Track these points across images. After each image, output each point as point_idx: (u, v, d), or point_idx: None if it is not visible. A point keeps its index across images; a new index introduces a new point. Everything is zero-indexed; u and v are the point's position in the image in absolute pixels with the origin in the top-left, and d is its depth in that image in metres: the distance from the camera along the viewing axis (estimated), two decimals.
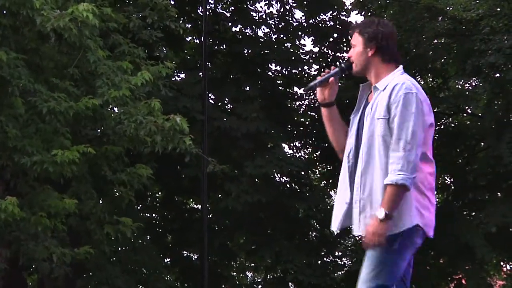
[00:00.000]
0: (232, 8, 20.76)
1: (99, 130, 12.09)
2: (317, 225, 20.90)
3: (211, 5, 20.09)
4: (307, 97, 21.52)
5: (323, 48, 21.14)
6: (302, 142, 21.76)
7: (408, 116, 4.07)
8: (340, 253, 21.56)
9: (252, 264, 22.63)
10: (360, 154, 4.20)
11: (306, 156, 22.09)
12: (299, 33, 21.05)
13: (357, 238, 21.80)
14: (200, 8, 19.55)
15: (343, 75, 4.49)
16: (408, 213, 4.10)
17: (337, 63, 21.17)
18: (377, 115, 4.14)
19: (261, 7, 20.76)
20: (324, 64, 21.11)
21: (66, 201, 10.42)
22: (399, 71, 4.29)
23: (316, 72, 21.21)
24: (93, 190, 11.83)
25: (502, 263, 23.01)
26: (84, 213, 11.65)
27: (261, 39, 20.63)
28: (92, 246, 11.59)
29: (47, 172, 9.97)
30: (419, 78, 19.84)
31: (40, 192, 10.58)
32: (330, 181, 21.96)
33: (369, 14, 19.67)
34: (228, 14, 20.65)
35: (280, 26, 20.93)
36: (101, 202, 12.36)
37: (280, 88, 21.11)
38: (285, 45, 20.96)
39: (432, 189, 4.24)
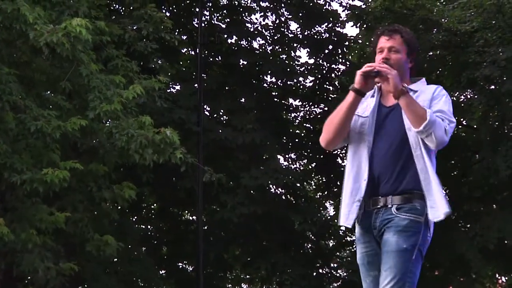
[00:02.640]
0: (228, 19, 20.78)
1: (91, 144, 12.09)
2: (313, 237, 20.87)
3: (206, 17, 20.13)
4: (302, 109, 21.54)
5: (318, 59, 21.16)
6: (298, 153, 21.75)
7: (451, 107, 4.24)
8: (335, 265, 21.54)
9: (248, 276, 22.57)
10: (395, 148, 4.22)
11: (302, 168, 22.07)
12: (295, 44, 21.07)
13: (353, 250, 21.81)
14: (196, 19, 19.59)
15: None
16: (430, 224, 4.21)
17: (333, 75, 21.22)
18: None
19: (256, 18, 20.88)
20: (319, 76, 21.16)
21: (57, 214, 10.44)
22: (424, 81, 4.43)
23: (311, 84, 21.25)
24: (79, 204, 11.86)
25: (497, 275, 22.98)
26: (71, 228, 11.68)
27: (256, 51, 20.65)
28: (86, 257, 11.59)
29: (36, 190, 10.01)
30: None
31: (30, 206, 10.59)
32: (326, 192, 21.96)
33: (364, 26, 19.70)
34: (223, 26, 20.67)
35: (275, 37, 20.96)
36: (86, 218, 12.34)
37: (276, 99, 21.11)
38: (281, 56, 20.99)
39: None
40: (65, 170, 10.03)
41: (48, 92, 11.47)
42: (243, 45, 20.58)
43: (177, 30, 19.24)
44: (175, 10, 20.00)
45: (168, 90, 16.97)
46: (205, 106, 19.14)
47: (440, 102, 4.23)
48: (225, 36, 20.54)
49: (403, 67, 4.32)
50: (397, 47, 4.32)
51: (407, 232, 4.13)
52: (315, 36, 20.99)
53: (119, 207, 12.37)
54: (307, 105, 21.47)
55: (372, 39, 4.60)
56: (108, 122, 11.30)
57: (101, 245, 11.59)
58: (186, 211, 21.78)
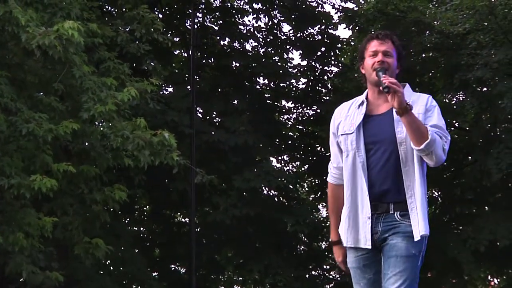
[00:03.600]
0: (220, 21, 20.78)
1: (85, 144, 12.06)
2: (305, 239, 20.88)
3: (199, 19, 20.13)
4: (295, 111, 21.55)
5: (311, 61, 21.17)
6: (290, 155, 21.76)
7: (443, 119, 4.26)
8: (328, 267, 21.55)
9: (240, 278, 22.55)
10: (391, 159, 4.23)
11: (294, 170, 22.09)
12: (287, 46, 21.09)
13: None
14: (188, 21, 19.59)
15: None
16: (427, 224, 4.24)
17: (325, 77, 21.24)
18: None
19: (249, 20, 20.86)
20: (312, 78, 21.17)
21: (45, 219, 10.42)
22: (408, 87, 4.38)
23: (304, 86, 21.27)
24: (69, 207, 11.83)
25: (489, 277, 23.03)
26: (60, 233, 11.67)
27: (249, 53, 20.65)
28: (79, 259, 11.56)
29: (23, 195, 10.00)
30: None
31: (18, 209, 10.56)
32: (319, 194, 21.96)
33: (357, 28, 19.73)
34: (216, 28, 20.68)
35: (268, 39, 20.97)
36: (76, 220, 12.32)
37: (268, 101, 21.12)
38: (273, 58, 21.00)
39: None
40: (53, 179, 9.99)
41: (41, 93, 11.42)
42: (235, 47, 20.59)
43: (170, 32, 19.24)
44: (168, 12, 19.98)
45: (160, 92, 16.97)
46: (197, 108, 19.15)
47: (434, 116, 4.22)
48: (218, 38, 20.55)
49: (394, 73, 4.33)
50: (391, 52, 4.34)
51: (418, 240, 4.20)
52: (308, 38, 21.01)
53: (112, 209, 12.32)
54: (299, 107, 21.48)
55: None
56: (101, 124, 11.28)
57: (90, 248, 11.56)
58: (179, 213, 21.77)
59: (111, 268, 17.94)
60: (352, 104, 4.44)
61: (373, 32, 4.56)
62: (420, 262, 4.21)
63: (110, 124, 10.95)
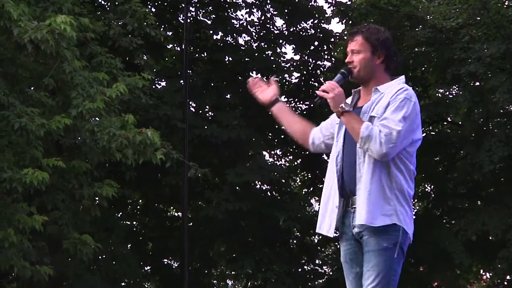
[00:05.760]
0: (213, 16, 20.75)
1: (77, 139, 12.04)
2: (298, 233, 20.89)
3: (192, 13, 20.08)
4: (287, 105, 21.51)
5: (304, 56, 21.16)
6: (283, 150, 21.76)
7: (403, 113, 4.14)
8: (320, 262, 21.57)
9: (233, 272, 22.56)
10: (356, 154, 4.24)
11: (287, 164, 22.09)
12: (280, 41, 21.08)
13: (338, 246, 21.83)
14: (181, 15, 19.56)
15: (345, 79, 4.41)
16: (410, 221, 4.21)
17: (318, 71, 21.24)
18: (374, 113, 4.19)
19: (242, 15, 20.80)
20: (305, 72, 21.17)
21: (36, 217, 10.42)
22: (402, 80, 4.35)
23: (297, 80, 21.27)
24: (60, 202, 11.82)
25: (482, 271, 23.09)
26: (51, 229, 11.66)
27: (242, 47, 20.63)
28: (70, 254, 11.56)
29: (15, 189, 9.99)
30: None
31: (9, 204, 10.55)
32: (311, 189, 21.98)
33: (350, 22, 19.73)
34: (209, 22, 20.63)
35: (261, 34, 20.95)
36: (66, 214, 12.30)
37: None
38: (266, 53, 20.97)
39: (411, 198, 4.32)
40: (45, 172, 9.99)
41: (32, 88, 11.40)
42: (228, 42, 20.56)
43: (163, 26, 19.20)
44: (161, 6, 19.94)
45: (153, 86, 16.94)
46: (190, 102, 19.13)
47: (391, 109, 4.17)
48: (211, 32, 20.51)
49: (369, 67, 4.30)
50: (358, 48, 4.31)
51: (387, 231, 4.15)
52: (301, 33, 20.99)
53: (104, 204, 12.30)
54: (292, 102, 21.47)
55: None
56: (91, 120, 11.26)
57: (78, 244, 11.55)
58: (172, 207, 21.77)
59: (101, 264, 17.92)
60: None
61: None
62: (396, 254, 4.15)
63: (98, 121, 10.92)
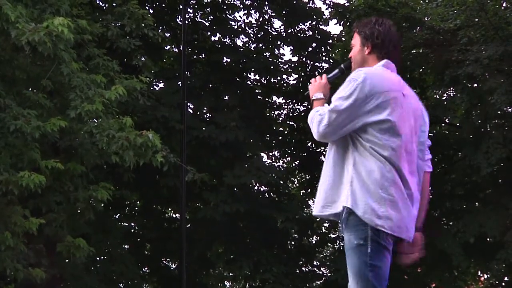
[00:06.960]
0: (211, 17, 20.77)
1: (69, 143, 12.03)
2: (296, 235, 20.89)
3: (190, 14, 20.09)
4: (285, 107, 21.55)
5: (302, 57, 21.18)
6: (281, 151, 21.77)
7: (345, 92, 4.20)
8: (318, 263, 21.57)
9: (231, 274, 22.55)
10: None
11: (285, 166, 22.10)
12: (278, 42, 21.09)
13: (336, 247, 21.85)
14: (179, 17, 19.54)
15: (342, 74, 4.55)
16: (386, 209, 4.05)
17: (316, 72, 21.25)
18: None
19: (240, 16, 20.82)
20: (303, 74, 21.18)
21: (32, 220, 10.42)
22: (381, 64, 4.35)
23: (295, 81, 21.28)
24: (55, 204, 11.82)
25: (480, 273, 23.07)
26: (48, 231, 11.66)
27: (240, 48, 20.64)
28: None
29: (11, 192, 9.99)
30: None
31: (5, 206, 10.54)
32: (309, 190, 21.97)
33: (348, 23, 19.72)
34: (207, 24, 20.66)
35: (259, 35, 20.97)
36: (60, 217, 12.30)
37: (259, 97, 21.12)
38: (264, 54, 21.00)
39: (395, 183, 4.15)
40: (41, 176, 9.98)
41: (30, 89, 11.39)
42: (226, 43, 20.58)
43: (161, 28, 19.20)
44: (159, 8, 19.95)
45: (151, 88, 16.94)
46: (188, 104, 19.13)
47: (337, 93, 4.30)
48: (209, 33, 20.52)
49: (359, 58, 4.42)
50: (353, 43, 4.47)
51: (356, 227, 4.04)
52: (299, 34, 21.02)
53: (102, 205, 12.31)
54: (290, 103, 21.49)
55: None
56: (89, 122, 11.25)
57: (71, 248, 11.55)
58: (170, 209, 21.76)
59: (99, 265, 17.91)
60: None
61: None
62: (370, 248, 3.99)
63: (96, 123, 10.93)
